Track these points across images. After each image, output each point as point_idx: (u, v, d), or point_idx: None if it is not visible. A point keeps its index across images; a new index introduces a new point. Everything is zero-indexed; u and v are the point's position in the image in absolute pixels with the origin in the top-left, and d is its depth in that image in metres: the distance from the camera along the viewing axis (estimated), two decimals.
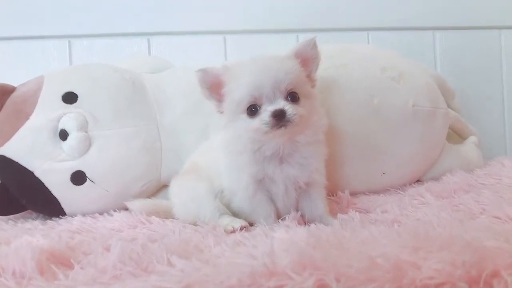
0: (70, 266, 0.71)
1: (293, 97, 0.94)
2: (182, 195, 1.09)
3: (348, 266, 0.54)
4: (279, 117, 0.90)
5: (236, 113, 0.96)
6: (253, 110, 0.94)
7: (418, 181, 1.41)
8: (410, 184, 1.37)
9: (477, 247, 0.58)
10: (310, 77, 1.01)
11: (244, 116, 0.95)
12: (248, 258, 0.63)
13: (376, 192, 1.32)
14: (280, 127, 0.91)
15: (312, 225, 0.88)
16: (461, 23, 1.84)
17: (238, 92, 0.94)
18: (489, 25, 1.85)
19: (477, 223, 0.84)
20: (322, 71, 1.29)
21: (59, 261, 0.72)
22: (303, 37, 1.75)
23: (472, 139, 1.55)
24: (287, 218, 0.97)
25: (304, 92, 0.96)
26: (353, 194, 1.26)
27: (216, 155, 1.05)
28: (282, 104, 0.91)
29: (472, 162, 1.45)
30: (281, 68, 0.93)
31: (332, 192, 1.24)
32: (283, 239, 0.69)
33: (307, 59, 0.99)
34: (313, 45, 0.99)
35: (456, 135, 1.58)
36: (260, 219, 0.97)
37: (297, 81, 0.95)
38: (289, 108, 0.91)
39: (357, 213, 1.05)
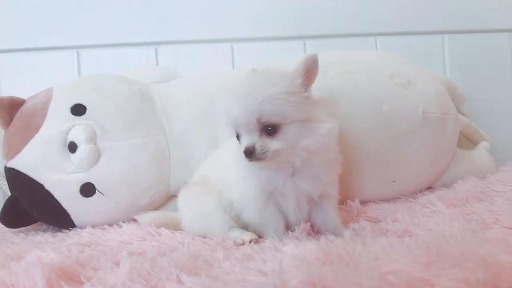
0: (80, 283, 0.71)
1: (268, 129, 0.89)
2: (191, 210, 1.08)
3: (358, 284, 0.53)
4: (249, 154, 0.88)
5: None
6: (238, 135, 0.93)
7: (429, 188, 1.40)
8: (421, 192, 1.36)
9: (491, 263, 0.57)
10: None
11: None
12: (257, 274, 0.63)
13: (386, 200, 1.31)
14: (258, 160, 0.89)
15: (322, 239, 0.87)
16: (470, 27, 1.82)
17: (224, 118, 0.95)
18: (498, 28, 1.83)
19: (490, 235, 0.82)
20: (329, 79, 1.29)
21: (69, 277, 0.72)
22: (310, 44, 1.78)
23: (483, 144, 1.53)
24: (296, 229, 0.97)
25: (292, 117, 0.89)
26: (363, 202, 1.25)
27: (226, 166, 1.04)
28: (253, 140, 0.89)
29: (484, 168, 1.43)
30: (256, 98, 0.87)
31: (341, 200, 1.23)
32: (293, 255, 0.68)
33: (310, 73, 0.93)
34: (316, 61, 0.93)
35: (468, 141, 1.56)
36: (269, 231, 0.96)
37: (279, 110, 0.88)
38: (259, 145, 0.88)
39: (367, 222, 1.04)
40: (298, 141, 0.90)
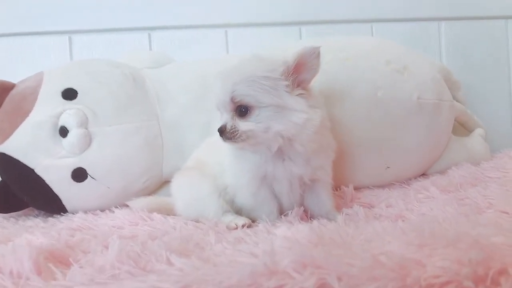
0: (69, 265, 0.70)
1: (241, 110, 0.90)
2: (186, 193, 1.08)
3: (350, 265, 0.53)
4: (221, 133, 0.91)
5: None
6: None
7: (423, 174, 1.39)
8: (415, 178, 1.35)
9: (484, 244, 0.57)
10: (302, 85, 0.93)
11: None
12: (248, 256, 0.62)
13: (380, 186, 1.30)
14: (229, 140, 0.91)
15: (315, 222, 0.87)
16: (466, 13, 1.80)
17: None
18: (495, 15, 1.81)
19: (484, 218, 0.82)
20: (325, 64, 1.26)
21: (58, 260, 0.71)
22: (306, 30, 1.76)
23: (478, 131, 1.53)
24: (290, 214, 0.96)
25: (265, 101, 0.89)
26: (357, 188, 1.25)
27: (220, 151, 1.03)
28: (224, 119, 0.91)
29: (479, 155, 1.43)
30: (231, 78, 0.90)
31: (335, 186, 1.22)
32: (285, 237, 0.67)
33: (305, 65, 0.92)
34: (316, 54, 0.92)
35: (462, 128, 1.56)
36: (263, 215, 0.96)
37: (251, 92, 0.88)
38: (229, 125, 0.90)
39: (361, 207, 1.04)
40: (271, 126, 0.90)
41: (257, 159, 0.95)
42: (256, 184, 0.97)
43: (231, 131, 0.90)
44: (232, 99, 0.89)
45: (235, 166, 1.00)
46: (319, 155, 0.97)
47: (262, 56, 0.96)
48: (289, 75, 0.91)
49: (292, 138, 0.92)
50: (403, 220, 0.91)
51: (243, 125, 0.90)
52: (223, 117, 0.92)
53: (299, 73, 0.92)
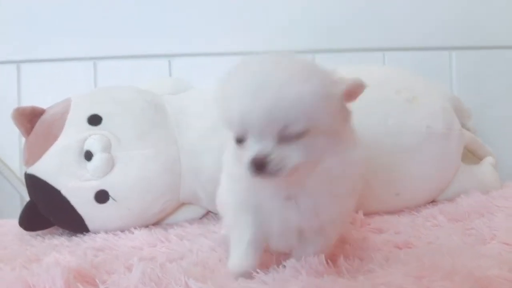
0: (95, 285, 0.76)
1: (289, 136, 0.63)
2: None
3: None
4: (259, 167, 0.63)
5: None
6: (239, 140, 0.67)
7: (432, 201, 1.42)
8: (424, 205, 1.38)
9: (479, 277, 0.61)
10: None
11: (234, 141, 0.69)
12: (260, 283, 0.67)
13: (390, 212, 1.33)
14: (270, 175, 0.63)
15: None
16: (478, 43, 1.84)
17: (226, 114, 0.69)
18: (506, 44, 1.84)
19: (486, 250, 0.85)
20: None
21: (84, 279, 0.77)
22: (319, 58, 1.81)
23: (488, 159, 1.54)
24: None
25: (325, 127, 0.66)
26: (367, 214, 1.27)
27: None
28: (266, 148, 0.63)
29: (488, 183, 1.45)
30: (284, 97, 0.61)
31: None
32: (294, 267, 0.71)
33: (351, 95, 0.72)
34: (362, 89, 0.73)
35: (473, 156, 1.58)
36: (235, 239, 0.77)
37: (312, 116, 0.63)
38: (274, 157, 0.62)
39: (370, 233, 1.07)
40: (322, 158, 0.67)
41: (249, 191, 0.74)
42: (243, 208, 0.76)
43: (278, 165, 0.62)
44: (284, 129, 0.63)
45: (230, 190, 0.80)
46: (335, 203, 0.73)
47: (295, 57, 0.72)
48: (346, 98, 0.69)
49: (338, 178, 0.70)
50: (409, 247, 0.95)
51: (294, 156, 0.63)
52: (258, 144, 0.64)
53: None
